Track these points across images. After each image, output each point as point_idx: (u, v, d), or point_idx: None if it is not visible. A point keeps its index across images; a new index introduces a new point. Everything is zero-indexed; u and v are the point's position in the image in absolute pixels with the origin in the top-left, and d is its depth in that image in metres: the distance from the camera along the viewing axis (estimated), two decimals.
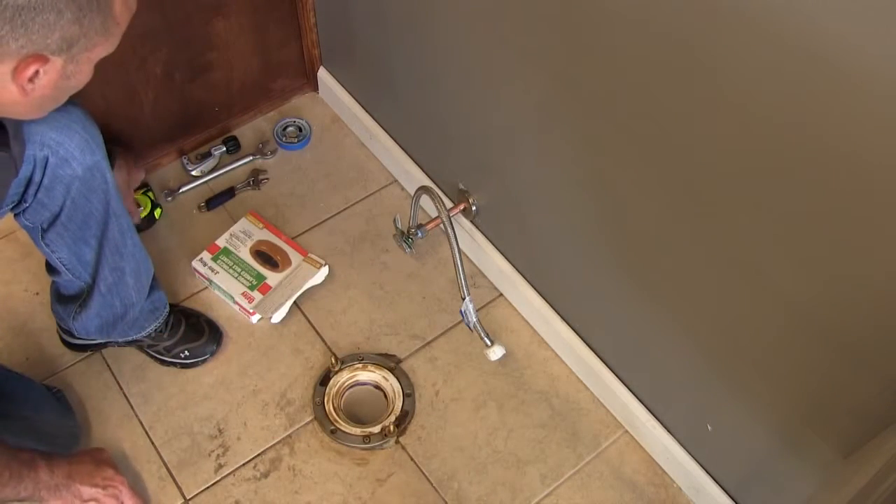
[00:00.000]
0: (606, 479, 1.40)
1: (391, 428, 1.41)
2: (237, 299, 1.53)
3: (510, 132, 1.32)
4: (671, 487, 1.40)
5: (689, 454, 1.35)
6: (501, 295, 1.60)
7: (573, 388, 1.50)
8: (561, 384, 1.50)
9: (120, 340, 1.43)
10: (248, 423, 1.43)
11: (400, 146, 1.70)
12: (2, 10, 0.78)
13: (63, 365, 1.47)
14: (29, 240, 1.24)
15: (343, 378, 1.47)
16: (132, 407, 1.44)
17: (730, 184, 0.97)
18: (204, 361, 1.48)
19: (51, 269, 1.31)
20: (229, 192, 1.71)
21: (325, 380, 1.47)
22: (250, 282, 1.56)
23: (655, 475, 1.41)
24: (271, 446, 1.41)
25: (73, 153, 1.11)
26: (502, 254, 1.56)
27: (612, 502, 1.38)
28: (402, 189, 1.74)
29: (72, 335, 1.42)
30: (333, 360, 1.47)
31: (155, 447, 1.40)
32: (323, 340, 1.53)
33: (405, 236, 1.57)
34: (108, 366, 1.48)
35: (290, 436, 1.42)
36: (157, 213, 1.64)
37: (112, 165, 1.27)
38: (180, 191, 1.71)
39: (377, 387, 1.49)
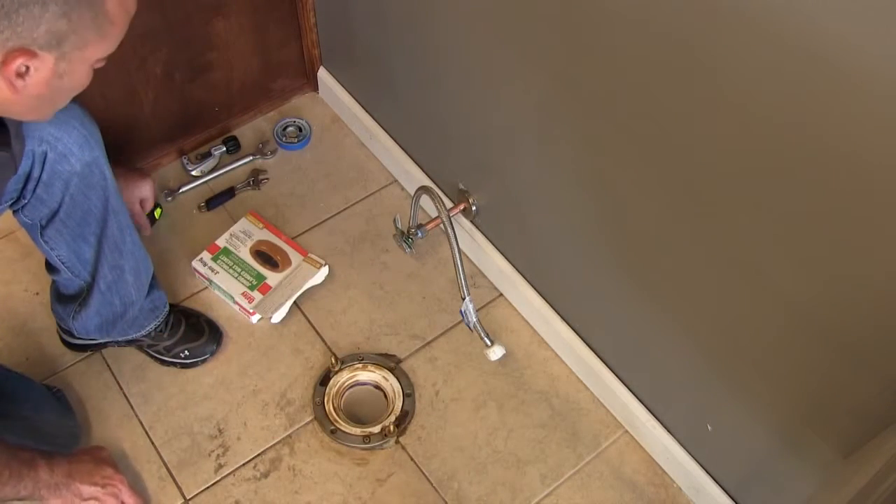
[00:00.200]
0: (606, 479, 1.40)
1: (391, 428, 1.41)
2: (237, 299, 1.53)
3: (510, 132, 1.32)
4: (671, 487, 1.40)
5: (689, 454, 1.35)
6: (501, 295, 1.60)
7: (573, 388, 1.50)
8: (561, 384, 1.50)
9: (120, 340, 1.43)
10: (248, 423, 1.43)
11: (400, 146, 1.70)
12: None
13: (63, 365, 1.47)
14: (29, 240, 1.24)
15: (343, 378, 1.47)
16: (132, 407, 1.44)
17: (730, 184, 0.97)
18: (204, 361, 1.48)
19: (50, 268, 1.31)
20: (229, 192, 1.71)
21: (325, 380, 1.47)
22: (250, 282, 1.56)
23: (655, 475, 1.41)
24: (271, 446, 1.41)
25: (71, 149, 1.11)
26: (502, 254, 1.56)
27: (612, 502, 1.38)
28: (402, 189, 1.74)
29: (72, 335, 1.42)
30: (333, 360, 1.47)
31: (155, 447, 1.40)
32: (323, 340, 1.53)
33: (405, 236, 1.57)
34: (108, 366, 1.48)
35: (290, 436, 1.42)
36: (158, 212, 1.64)
37: None
38: (180, 191, 1.71)
39: (377, 387, 1.49)
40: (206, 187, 1.72)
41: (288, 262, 1.59)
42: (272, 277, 1.57)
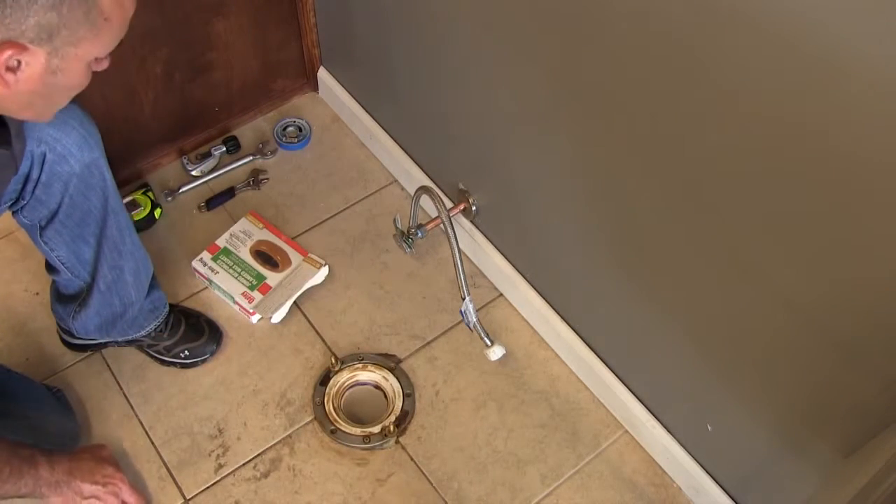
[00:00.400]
0: (606, 479, 1.40)
1: (391, 428, 1.41)
2: (237, 299, 1.53)
3: (510, 132, 1.32)
4: (671, 487, 1.40)
5: (689, 454, 1.35)
6: (501, 295, 1.60)
7: (573, 388, 1.50)
8: (561, 384, 1.50)
9: (120, 340, 1.43)
10: (248, 423, 1.43)
11: (400, 146, 1.70)
12: None
13: (63, 365, 1.47)
14: (29, 240, 1.24)
15: (343, 378, 1.47)
16: (132, 407, 1.44)
17: (730, 184, 0.97)
18: (204, 361, 1.48)
19: (50, 268, 1.31)
20: (229, 192, 1.71)
21: (325, 380, 1.47)
22: (250, 282, 1.56)
23: (655, 475, 1.41)
24: (271, 446, 1.41)
25: (70, 150, 1.11)
26: (502, 254, 1.56)
27: (612, 502, 1.38)
28: (402, 189, 1.74)
29: (72, 335, 1.42)
30: (333, 360, 1.47)
31: (155, 447, 1.40)
32: (323, 340, 1.53)
33: (405, 236, 1.57)
34: (108, 366, 1.48)
35: (290, 436, 1.42)
36: (157, 212, 1.65)
37: None
38: (180, 191, 1.71)
39: (377, 387, 1.49)
40: (206, 187, 1.72)
41: (288, 262, 1.59)
42: (272, 277, 1.57)
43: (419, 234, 1.55)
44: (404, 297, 1.59)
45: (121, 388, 1.46)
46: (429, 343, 1.54)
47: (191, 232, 1.65)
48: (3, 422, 1.22)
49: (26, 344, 1.49)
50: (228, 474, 1.38)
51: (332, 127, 1.84)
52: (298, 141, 1.79)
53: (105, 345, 1.45)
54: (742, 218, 0.98)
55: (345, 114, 1.83)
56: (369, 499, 1.37)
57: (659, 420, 1.38)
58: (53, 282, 1.36)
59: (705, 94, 0.92)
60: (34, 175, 1.11)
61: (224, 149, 1.76)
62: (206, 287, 1.58)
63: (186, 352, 1.46)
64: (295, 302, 1.54)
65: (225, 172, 1.74)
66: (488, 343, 1.47)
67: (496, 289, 1.61)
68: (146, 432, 1.41)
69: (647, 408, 1.40)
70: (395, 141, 1.71)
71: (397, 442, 1.42)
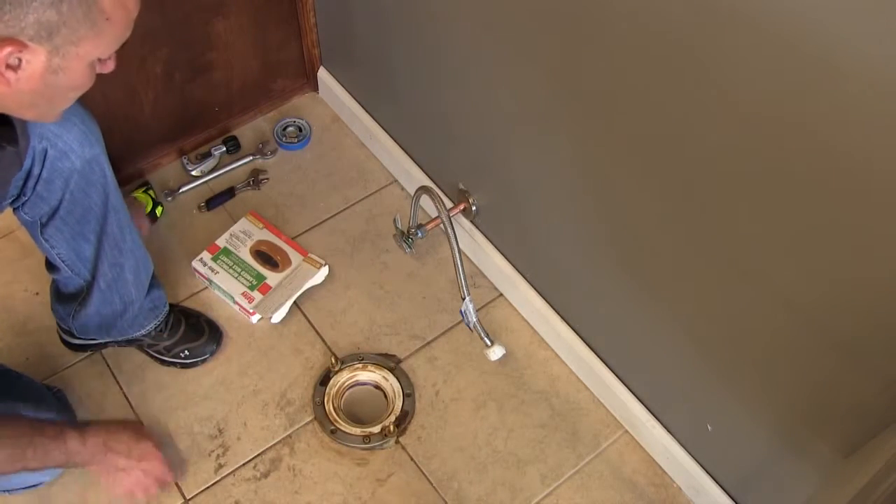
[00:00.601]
0: (606, 479, 1.40)
1: (391, 428, 1.41)
2: (237, 299, 1.53)
3: (510, 132, 1.32)
4: (671, 487, 1.40)
5: (689, 454, 1.35)
6: (501, 295, 1.60)
7: (573, 388, 1.50)
8: (561, 384, 1.50)
9: (120, 340, 1.43)
10: (248, 423, 1.43)
11: (400, 146, 1.70)
12: None
13: (63, 365, 1.47)
14: (29, 240, 1.24)
15: (343, 378, 1.47)
16: (132, 407, 1.44)
17: (730, 184, 0.97)
18: (204, 361, 1.48)
19: (50, 266, 1.31)
20: (229, 192, 1.71)
21: (325, 380, 1.47)
22: (250, 282, 1.56)
23: (655, 475, 1.41)
24: (271, 446, 1.41)
25: (71, 146, 1.11)
26: (502, 254, 1.56)
27: (612, 502, 1.38)
28: (402, 189, 1.74)
29: (72, 335, 1.42)
30: (333, 360, 1.47)
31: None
32: (323, 340, 1.53)
33: (405, 236, 1.57)
34: (108, 366, 1.48)
35: (290, 436, 1.42)
36: (159, 210, 1.64)
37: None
38: (180, 191, 1.71)
39: (377, 387, 1.49)
40: (206, 187, 1.72)
41: (288, 262, 1.59)
42: (272, 277, 1.57)
43: (419, 234, 1.55)
44: (404, 297, 1.59)
45: (121, 388, 1.46)
46: (429, 343, 1.54)
47: (191, 232, 1.65)
48: (3, 421, 1.22)
49: (26, 344, 1.49)
50: (228, 474, 1.38)
51: (332, 127, 1.84)
52: (298, 141, 1.79)
53: (105, 345, 1.45)
54: (742, 218, 0.98)
55: (345, 114, 1.83)
56: (369, 499, 1.37)
57: (659, 420, 1.38)
58: (53, 281, 1.36)
59: (705, 93, 0.92)
60: (35, 171, 1.11)
61: (224, 149, 1.76)
62: (206, 287, 1.58)
63: (186, 352, 1.46)
64: (295, 302, 1.54)
65: (225, 172, 1.74)
66: (488, 343, 1.47)
67: (496, 289, 1.61)
68: None
69: (647, 408, 1.40)
70: (395, 141, 1.71)
71: (397, 442, 1.42)
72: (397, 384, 1.47)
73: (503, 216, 1.50)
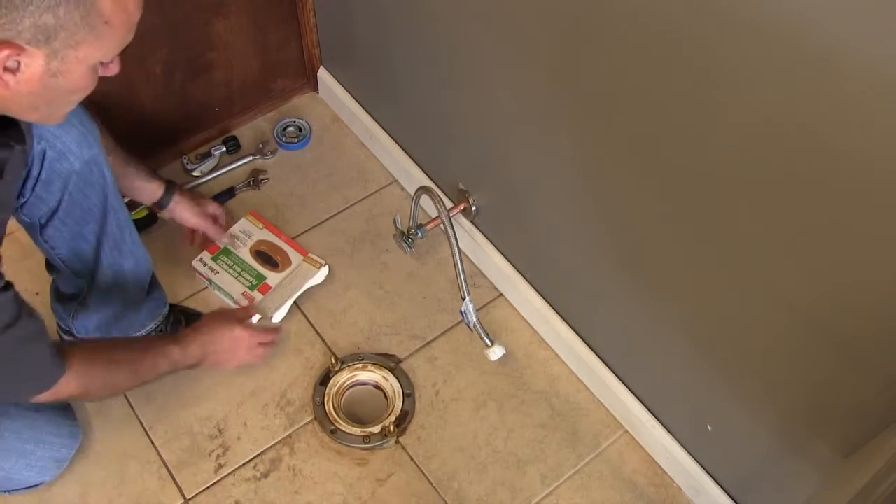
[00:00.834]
0: (606, 479, 1.40)
1: (391, 428, 1.41)
2: (237, 299, 1.53)
3: (510, 132, 1.32)
4: (671, 487, 1.40)
5: (689, 454, 1.35)
6: (501, 295, 1.60)
7: (573, 388, 1.50)
8: (561, 384, 1.50)
9: None
10: (248, 423, 1.43)
11: (400, 146, 1.70)
12: None
13: None
14: (29, 240, 1.24)
15: (343, 378, 1.47)
16: (132, 407, 1.44)
17: (730, 184, 0.97)
18: None
19: (50, 267, 1.31)
20: (229, 192, 1.71)
21: (325, 380, 1.47)
22: (250, 282, 1.56)
23: (655, 475, 1.41)
24: (271, 446, 1.41)
25: (70, 147, 1.11)
26: (502, 254, 1.56)
27: (612, 502, 1.38)
28: (402, 189, 1.74)
29: (72, 335, 1.42)
30: (333, 360, 1.47)
31: (155, 447, 1.40)
32: (323, 340, 1.53)
33: (405, 236, 1.57)
34: None
35: (290, 436, 1.42)
36: None
37: (169, 200, 1.40)
38: None
39: (377, 387, 1.49)
40: (206, 187, 1.72)
41: (288, 262, 1.59)
42: (272, 277, 1.57)
43: (419, 234, 1.55)
44: (404, 297, 1.59)
45: None
46: (429, 343, 1.54)
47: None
48: (3, 420, 1.22)
49: None
50: (228, 474, 1.38)
51: (332, 127, 1.84)
52: (298, 141, 1.79)
53: None
54: (742, 218, 0.98)
55: (345, 114, 1.83)
56: (369, 499, 1.37)
57: (659, 420, 1.38)
58: (53, 281, 1.36)
59: (705, 94, 0.92)
60: (34, 172, 1.11)
61: (224, 149, 1.76)
62: (206, 287, 1.58)
63: None
64: (295, 302, 1.54)
65: (225, 172, 1.74)
66: (488, 343, 1.47)
67: (496, 289, 1.61)
68: (146, 432, 1.41)
69: (647, 408, 1.40)
70: (395, 141, 1.71)
71: (397, 442, 1.42)
72: (397, 384, 1.47)
73: (503, 216, 1.50)
